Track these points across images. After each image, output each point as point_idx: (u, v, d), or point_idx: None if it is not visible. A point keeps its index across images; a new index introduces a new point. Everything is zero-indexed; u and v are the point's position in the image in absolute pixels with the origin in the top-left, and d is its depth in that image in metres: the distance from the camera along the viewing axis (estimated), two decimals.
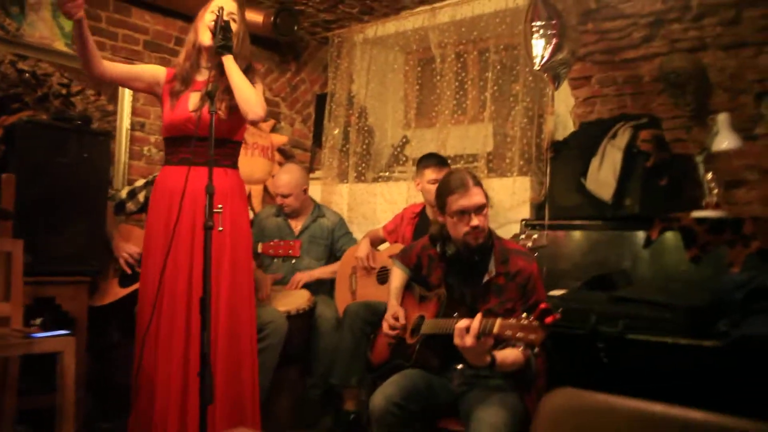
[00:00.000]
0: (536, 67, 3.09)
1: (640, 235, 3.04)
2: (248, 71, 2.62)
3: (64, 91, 3.27)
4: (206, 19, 2.58)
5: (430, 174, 3.46)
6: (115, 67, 2.60)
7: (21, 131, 2.84)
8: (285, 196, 3.89)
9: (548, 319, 1.94)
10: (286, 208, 3.94)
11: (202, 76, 2.65)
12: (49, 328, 2.52)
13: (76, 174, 2.95)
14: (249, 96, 2.50)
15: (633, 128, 3.10)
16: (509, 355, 2.20)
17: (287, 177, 3.90)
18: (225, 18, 2.46)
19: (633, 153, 3.06)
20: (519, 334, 1.97)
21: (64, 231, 2.91)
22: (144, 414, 2.48)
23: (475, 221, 2.38)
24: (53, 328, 2.50)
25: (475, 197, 2.38)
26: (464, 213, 2.39)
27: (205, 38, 2.56)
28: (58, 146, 2.91)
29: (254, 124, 2.59)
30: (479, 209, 2.39)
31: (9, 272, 2.56)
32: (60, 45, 3.67)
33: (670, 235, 2.95)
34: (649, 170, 3.03)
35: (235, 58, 2.54)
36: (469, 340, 2.05)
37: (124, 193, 3.51)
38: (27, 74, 3.26)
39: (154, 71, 2.71)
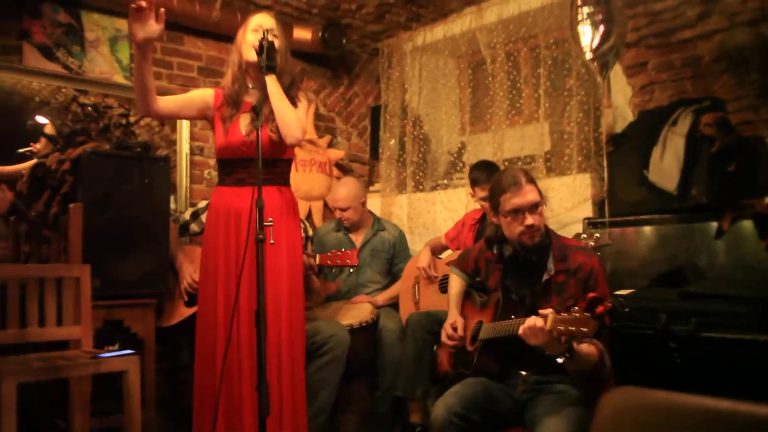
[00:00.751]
0: (587, 56, 2.99)
1: (711, 226, 2.90)
2: (292, 87, 2.64)
3: (123, 121, 3.40)
4: (248, 39, 2.61)
5: (480, 192, 3.39)
6: (166, 102, 2.61)
7: (86, 162, 2.94)
8: (344, 210, 3.91)
9: (599, 309, 1.87)
10: (345, 222, 3.96)
11: (251, 97, 2.69)
12: None
13: (140, 199, 3.03)
14: (288, 119, 2.53)
15: (694, 113, 2.96)
16: (584, 345, 2.12)
17: (345, 190, 3.92)
18: (269, 38, 2.49)
19: (696, 139, 2.92)
20: (571, 328, 1.90)
21: (130, 255, 2.99)
22: (206, 429, 2.52)
23: (530, 220, 2.31)
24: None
25: (528, 195, 2.32)
26: (518, 212, 2.33)
27: (252, 55, 2.59)
28: (121, 174, 3.01)
29: (292, 146, 2.61)
30: (533, 207, 2.32)
31: (79, 297, 2.66)
32: (119, 78, 3.82)
33: (743, 224, 2.80)
34: (715, 156, 2.88)
35: (280, 75, 2.57)
36: (541, 339, 2.01)
37: (187, 215, 3.60)
38: (89, 108, 3.40)
39: (202, 95, 2.74)
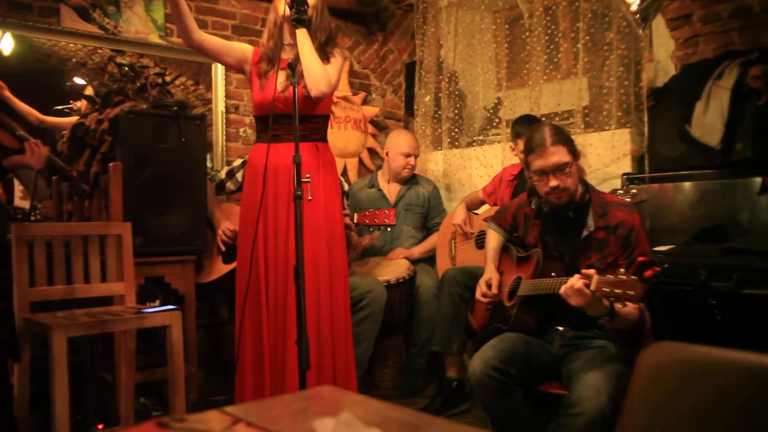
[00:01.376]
0: (633, 8, 2.90)
1: (755, 181, 2.83)
2: (328, 43, 2.62)
3: (159, 80, 3.41)
4: None
5: (521, 145, 3.36)
6: (209, 39, 2.69)
7: (123, 121, 2.97)
8: (417, 156, 4.03)
9: (647, 273, 1.84)
10: (409, 171, 4.00)
11: (287, 54, 2.68)
12: None
13: (177, 158, 3.06)
14: (314, 72, 2.52)
15: (741, 66, 2.86)
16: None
17: (413, 137, 4.06)
18: None
19: (742, 93, 2.83)
20: (617, 290, 1.88)
21: (169, 212, 3.04)
22: (247, 382, 2.58)
23: (554, 182, 2.29)
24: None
25: (552, 157, 2.28)
26: (543, 173, 2.32)
27: (286, 11, 2.58)
28: (158, 133, 3.03)
29: (317, 100, 2.60)
30: (558, 168, 2.29)
31: (121, 254, 2.72)
32: (154, 38, 3.83)
33: None
34: (762, 110, 2.79)
35: (314, 31, 2.57)
36: (583, 299, 2.00)
37: (223, 174, 3.63)
38: (126, 68, 3.42)
39: (243, 49, 2.77)
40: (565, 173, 2.29)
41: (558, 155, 2.28)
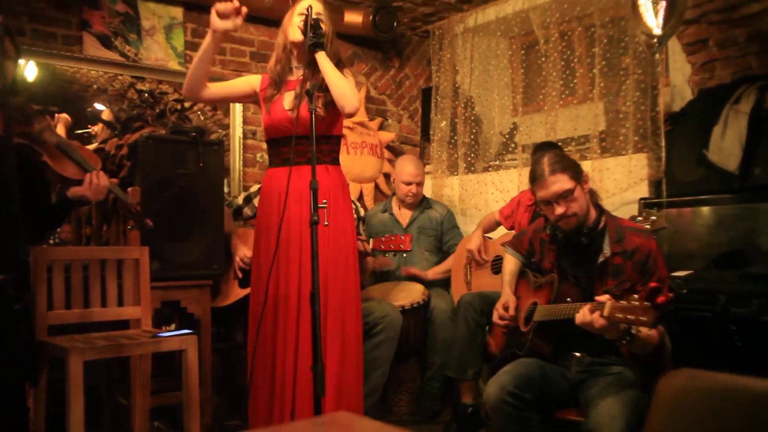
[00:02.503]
0: (654, 32, 2.90)
1: None
2: (338, 66, 2.65)
3: (178, 107, 3.47)
4: (295, 20, 2.63)
5: None
6: (214, 88, 2.72)
7: (142, 147, 3.01)
8: (419, 184, 3.99)
9: (660, 299, 1.82)
10: (411, 198, 3.98)
11: (294, 76, 2.71)
12: None
13: (195, 183, 3.09)
14: (344, 90, 2.53)
15: (759, 90, 2.85)
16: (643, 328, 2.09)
17: (416, 165, 4.01)
18: (314, 17, 2.50)
19: (760, 117, 2.82)
20: (630, 316, 1.87)
21: (187, 237, 3.06)
22: (261, 408, 2.57)
23: (559, 210, 2.30)
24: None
25: (552, 187, 2.28)
26: (548, 203, 2.32)
27: (297, 35, 2.61)
28: (177, 158, 3.07)
29: (350, 116, 2.62)
30: (561, 197, 2.28)
31: (138, 278, 2.74)
32: (174, 65, 3.89)
33: None
34: None
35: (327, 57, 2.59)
36: (598, 324, 1.98)
37: (240, 199, 3.66)
38: (146, 94, 3.48)
39: (249, 81, 2.81)
40: (568, 200, 2.29)
41: (558, 184, 2.28)
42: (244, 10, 2.46)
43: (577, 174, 2.32)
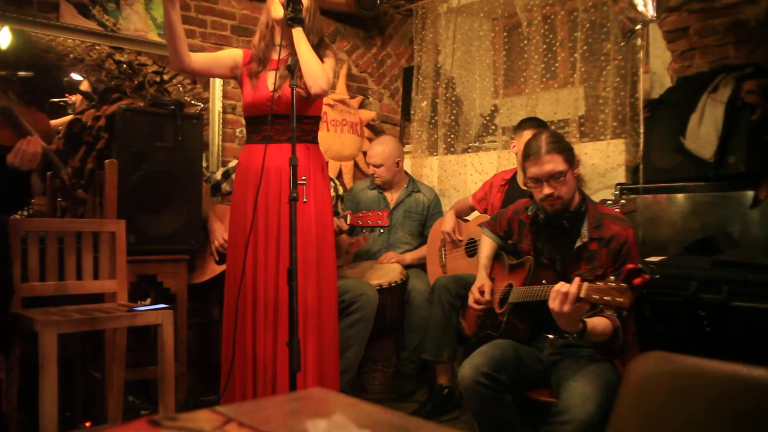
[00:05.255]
0: (637, 27, 2.91)
1: (747, 195, 2.85)
2: (320, 46, 2.64)
3: (158, 79, 3.41)
4: None
5: (529, 135, 3.36)
6: (198, 58, 2.67)
7: (120, 119, 2.96)
8: (377, 166, 3.94)
9: (637, 281, 1.85)
10: (376, 179, 3.98)
11: (277, 55, 2.69)
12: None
13: (173, 157, 3.06)
14: (313, 69, 2.53)
15: (736, 80, 2.88)
16: (599, 323, 2.13)
17: (380, 148, 3.96)
18: None
19: (737, 107, 2.85)
20: (606, 297, 1.90)
21: (163, 211, 3.03)
22: (238, 384, 2.58)
23: (547, 190, 2.30)
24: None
25: (546, 165, 2.29)
26: (537, 181, 2.33)
27: (278, 11, 2.59)
28: (155, 131, 3.03)
29: (317, 97, 2.62)
30: (552, 177, 2.29)
31: (114, 251, 2.72)
32: (153, 36, 3.83)
33: None
34: (756, 124, 2.81)
35: (307, 33, 2.58)
36: (566, 306, 1.99)
37: (219, 175, 3.63)
38: (124, 65, 3.41)
39: (232, 55, 2.79)
40: (559, 181, 2.30)
41: (552, 164, 2.29)
42: None
43: (571, 157, 2.34)
